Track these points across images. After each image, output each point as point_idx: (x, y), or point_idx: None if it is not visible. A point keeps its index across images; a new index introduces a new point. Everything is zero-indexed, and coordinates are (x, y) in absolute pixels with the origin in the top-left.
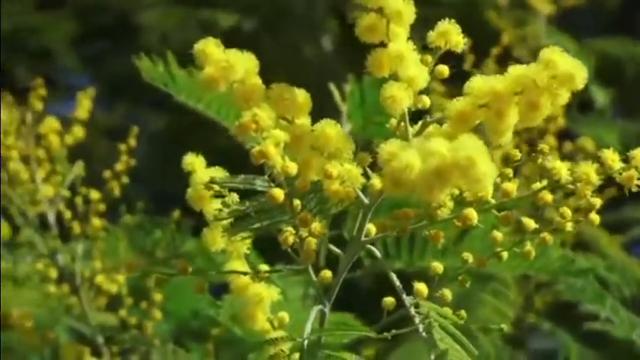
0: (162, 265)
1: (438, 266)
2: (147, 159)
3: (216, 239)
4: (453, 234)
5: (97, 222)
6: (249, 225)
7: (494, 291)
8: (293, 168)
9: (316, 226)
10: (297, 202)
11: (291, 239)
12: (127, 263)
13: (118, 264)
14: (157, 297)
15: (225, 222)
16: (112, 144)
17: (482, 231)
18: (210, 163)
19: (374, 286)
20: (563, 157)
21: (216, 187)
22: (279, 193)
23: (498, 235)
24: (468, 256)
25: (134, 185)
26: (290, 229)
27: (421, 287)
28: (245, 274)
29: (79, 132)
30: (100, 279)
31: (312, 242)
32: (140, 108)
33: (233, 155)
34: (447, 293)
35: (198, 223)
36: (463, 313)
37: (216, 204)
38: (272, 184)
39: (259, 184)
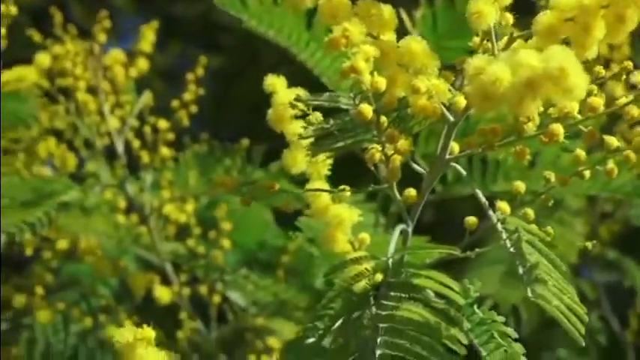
0: (232, 193)
1: (520, 185)
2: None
3: (296, 160)
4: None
5: (165, 151)
6: (332, 144)
7: (560, 220)
8: (382, 83)
9: (403, 143)
10: (383, 118)
11: (377, 156)
12: (220, 180)
13: (187, 193)
14: (226, 226)
15: (306, 142)
16: (166, 84)
17: (551, 155)
18: (260, 104)
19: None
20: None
21: (301, 106)
22: (367, 109)
23: (582, 152)
24: (550, 175)
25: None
26: (376, 146)
27: (504, 205)
28: (330, 192)
29: (143, 64)
30: (168, 208)
31: (398, 160)
32: (193, 49)
33: None
34: (530, 212)
35: None
36: (549, 229)
37: (297, 125)
38: (356, 102)
39: (344, 102)
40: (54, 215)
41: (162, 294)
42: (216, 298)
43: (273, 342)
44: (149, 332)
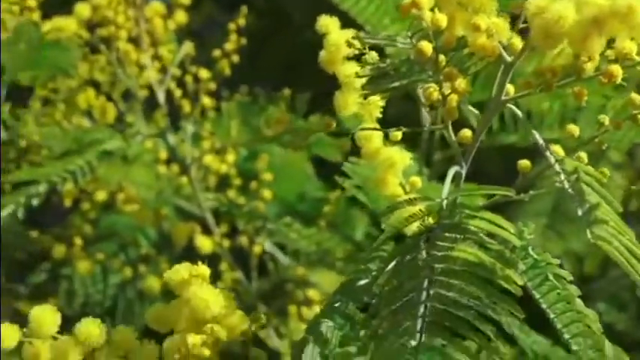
0: (276, 140)
1: (574, 128)
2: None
3: (348, 102)
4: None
5: (207, 101)
6: (388, 83)
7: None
8: (443, 20)
9: (461, 82)
10: (441, 57)
11: (435, 95)
12: (277, 118)
13: (228, 143)
14: (267, 177)
15: (360, 83)
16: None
17: (597, 104)
18: (290, 63)
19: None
20: None
21: (357, 45)
22: (427, 47)
23: (637, 97)
24: (604, 119)
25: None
26: (434, 85)
27: (558, 149)
28: (383, 131)
29: (181, 17)
30: (209, 159)
31: (455, 99)
32: (223, 9)
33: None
34: (584, 155)
35: None
36: (606, 170)
37: (350, 66)
38: (414, 41)
39: (401, 41)
40: (96, 164)
41: (204, 244)
42: (257, 249)
43: (313, 294)
44: (204, 269)
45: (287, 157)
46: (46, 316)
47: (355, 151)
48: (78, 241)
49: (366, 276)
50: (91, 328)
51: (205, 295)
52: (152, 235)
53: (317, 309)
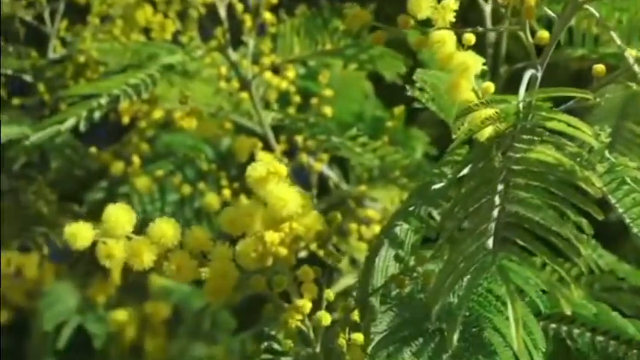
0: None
1: None
2: None
3: (421, 6)
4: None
5: (268, 16)
6: None
7: None
8: None
9: None
10: None
11: None
12: (354, 14)
13: (289, 59)
14: (328, 93)
15: None
16: None
17: None
18: None
19: None
20: None
21: None
22: None
23: None
24: None
25: None
26: None
27: (634, 52)
28: (458, 31)
29: None
30: (269, 75)
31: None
32: None
33: None
34: None
35: None
36: None
37: None
38: None
39: None
40: (157, 77)
41: (265, 159)
42: (317, 166)
43: (373, 213)
44: (282, 167)
45: (346, 76)
46: (120, 215)
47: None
48: (136, 159)
49: (440, 180)
50: (165, 228)
51: (283, 193)
52: (210, 154)
53: (377, 228)
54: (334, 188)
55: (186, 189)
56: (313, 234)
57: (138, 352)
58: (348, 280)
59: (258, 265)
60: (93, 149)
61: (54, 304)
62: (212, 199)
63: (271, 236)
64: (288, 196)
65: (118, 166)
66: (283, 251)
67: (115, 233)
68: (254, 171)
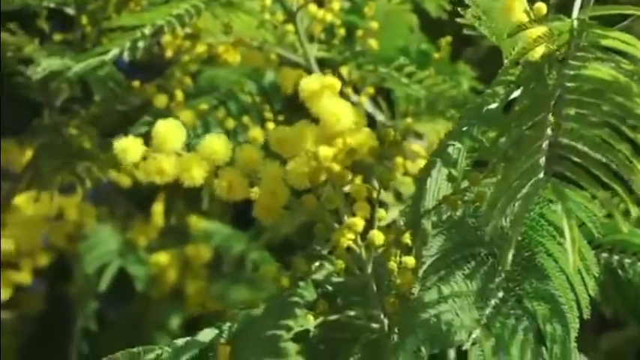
0: None
1: None
2: None
3: None
4: None
5: None
6: None
7: None
8: None
9: None
10: None
11: None
12: None
13: None
14: (374, 25)
15: None
16: None
17: None
18: None
19: None
20: None
21: None
22: None
23: None
24: None
25: None
26: None
27: None
28: None
29: None
30: (314, 8)
31: None
32: None
33: None
34: None
35: None
36: None
37: None
38: None
39: None
40: (202, 8)
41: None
42: (363, 99)
43: (419, 147)
44: (335, 81)
45: (390, 10)
46: (170, 130)
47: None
48: (179, 93)
49: (493, 100)
50: (216, 145)
51: (337, 107)
52: (254, 88)
53: (422, 162)
54: (380, 123)
55: (230, 123)
56: (367, 149)
57: (179, 295)
58: (393, 213)
59: (310, 183)
60: (136, 83)
61: (95, 246)
62: (256, 133)
63: (325, 151)
64: (341, 111)
65: (161, 100)
66: (336, 167)
67: (165, 148)
68: (307, 84)
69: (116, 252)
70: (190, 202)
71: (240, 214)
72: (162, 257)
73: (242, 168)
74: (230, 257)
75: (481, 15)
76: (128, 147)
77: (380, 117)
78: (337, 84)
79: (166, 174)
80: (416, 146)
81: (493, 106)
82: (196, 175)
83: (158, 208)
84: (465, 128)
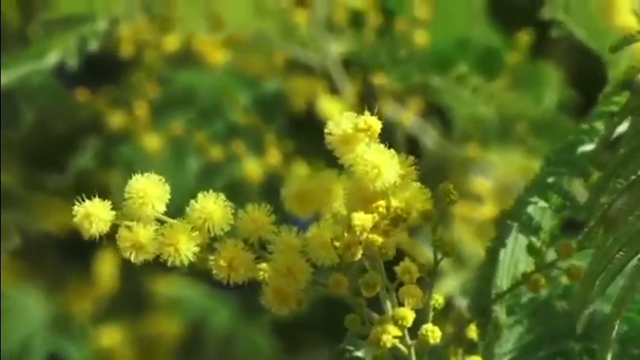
0: None
1: None
2: None
3: None
4: None
5: None
6: None
7: None
8: None
9: None
10: None
11: None
12: None
13: None
14: (421, 12)
15: None
16: None
17: None
18: None
19: None
20: None
21: None
22: None
23: None
24: None
25: None
26: None
27: None
28: None
29: None
30: None
31: None
32: None
33: None
34: None
35: None
36: None
37: None
38: None
39: None
40: None
41: (329, 108)
42: (406, 118)
43: (484, 186)
44: (375, 122)
45: None
46: (149, 189)
47: None
48: (141, 107)
49: (590, 138)
50: (211, 208)
51: (377, 157)
52: (248, 100)
53: (491, 208)
54: (429, 150)
55: (215, 151)
56: (417, 214)
57: None
58: (450, 282)
59: (342, 260)
60: (82, 93)
61: (15, 315)
62: (252, 166)
63: (361, 219)
64: (383, 162)
65: (116, 118)
66: (378, 240)
67: (143, 214)
68: (336, 127)
69: (44, 324)
70: None
71: None
72: (110, 333)
73: (246, 238)
74: (212, 336)
75: (573, 11)
76: (92, 214)
77: (429, 141)
78: (377, 125)
79: (144, 249)
80: (480, 183)
81: (590, 147)
82: (185, 249)
83: (105, 262)
84: (550, 179)
